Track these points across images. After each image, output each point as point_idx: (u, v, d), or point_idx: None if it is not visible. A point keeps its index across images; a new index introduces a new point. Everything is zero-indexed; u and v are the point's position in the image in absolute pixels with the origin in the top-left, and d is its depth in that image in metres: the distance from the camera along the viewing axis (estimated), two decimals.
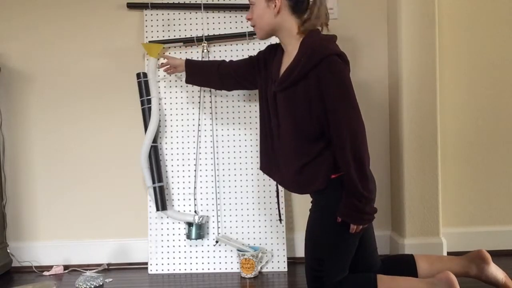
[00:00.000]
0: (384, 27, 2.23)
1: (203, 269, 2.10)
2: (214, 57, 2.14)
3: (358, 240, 1.54)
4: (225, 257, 2.11)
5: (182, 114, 2.15)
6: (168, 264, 2.11)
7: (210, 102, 2.15)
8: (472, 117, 2.24)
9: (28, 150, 2.23)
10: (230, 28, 2.15)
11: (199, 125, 2.15)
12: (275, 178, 1.70)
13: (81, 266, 2.18)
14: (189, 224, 2.06)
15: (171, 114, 2.16)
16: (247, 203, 2.11)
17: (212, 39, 2.13)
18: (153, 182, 2.06)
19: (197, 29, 2.16)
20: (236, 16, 2.15)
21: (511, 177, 2.25)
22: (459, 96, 2.24)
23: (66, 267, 2.19)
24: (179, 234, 2.12)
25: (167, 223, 2.13)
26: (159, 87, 2.15)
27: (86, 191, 2.23)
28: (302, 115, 1.52)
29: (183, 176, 2.14)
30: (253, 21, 1.63)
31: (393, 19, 2.13)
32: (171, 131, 2.15)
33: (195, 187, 2.13)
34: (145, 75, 2.11)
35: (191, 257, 2.12)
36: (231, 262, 2.10)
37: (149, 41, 2.15)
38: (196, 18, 2.16)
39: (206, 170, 2.13)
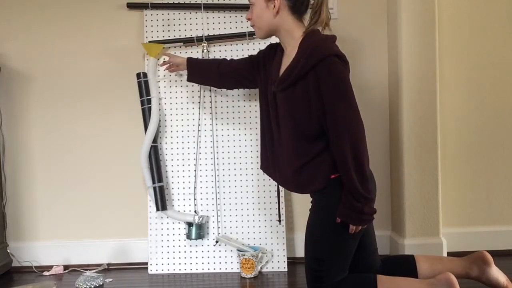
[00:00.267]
0: (384, 27, 2.23)
1: (203, 269, 2.10)
2: (214, 57, 2.14)
3: (358, 240, 1.54)
4: (225, 257, 2.11)
5: (182, 114, 2.15)
6: (168, 264, 2.11)
7: (210, 102, 2.15)
8: (472, 117, 2.24)
9: (28, 150, 2.23)
10: (230, 28, 2.15)
11: (199, 125, 2.15)
12: (275, 177, 1.70)
13: (81, 266, 2.18)
14: (189, 224, 2.06)
15: (171, 114, 2.16)
16: (247, 203, 2.11)
17: (212, 39, 2.13)
18: (153, 182, 2.06)
19: (197, 29, 2.16)
20: (236, 16, 2.15)
21: (511, 177, 2.25)
22: (459, 96, 2.24)
23: (66, 267, 2.19)
24: (179, 234, 2.12)
25: (167, 223, 2.13)
26: (159, 87, 2.15)
27: (86, 191, 2.23)
28: (302, 115, 1.52)
29: (183, 176, 2.14)
30: (253, 21, 1.63)
31: (393, 19, 2.13)
32: (171, 131, 2.15)
33: (195, 187, 2.13)
34: (145, 75, 2.11)
35: (191, 257, 2.12)
36: (231, 262, 2.10)
37: (149, 41, 2.15)
38: (196, 18, 2.16)
39: (206, 170, 2.13)
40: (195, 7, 2.14)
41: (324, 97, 1.47)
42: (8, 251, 2.19)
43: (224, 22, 2.15)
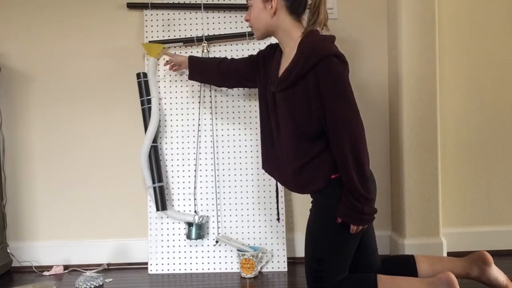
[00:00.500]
0: (384, 27, 2.23)
1: (203, 269, 2.10)
2: (214, 56, 2.14)
3: (358, 240, 1.54)
4: (225, 257, 2.11)
5: (182, 114, 2.15)
6: (168, 264, 2.11)
7: (210, 102, 2.15)
8: (472, 117, 2.24)
9: (28, 150, 2.23)
10: (230, 28, 2.15)
11: (199, 125, 2.15)
12: (276, 177, 1.71)
13: (81, 266, 2.18)
14: (189, 224, 2.06)
15: (171, 114, 2.16)
16: (247, 203, 2.11)
17: (212, 39, 2.13)
18: (153, 182, 2.06)
19: (197, 29, 2.16)
20: (236, 16, 2.15)
21: (511, 177, 2.25)
22: (459, 96, 2.24)
23: (66, 267, 2.19)
24: (179, 234, 2.12)
25: (167, 223, 2.13)
26: (159, 87, 2.15)
27: (86, 191, 2.23)
28: (301, 115, 1.52)
29: (183, 176, 2.14)
30: (251, 22, 1.64)
31: (393, 19, 2.13)
32: (171, 131, 2.15)
33: (195, 187, 2.13)
34: (145, 75, 2.11)
35: (191, 257, 2.12)
36: (231, 262, 2.10)
37: (149, 41, 2.15)
38: (196, 18, 2.16)
39: (206, 170, 2.13)
40: (195, 7, 2.14)
41: (323, 97, 1.47)
42: (8, 251, 2.19)
43: (224, 22, 2.15)
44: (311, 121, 1.51)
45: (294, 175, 1.56)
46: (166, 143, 2.15)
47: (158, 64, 2.16)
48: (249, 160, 2.12)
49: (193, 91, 2.15)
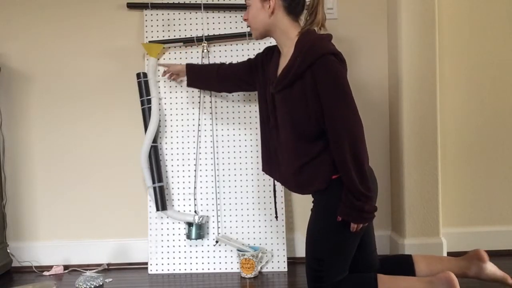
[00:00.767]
0: (384, 27, 2.23)
1: (203, 269, 2.10)
2: (214, 57, 2.14)
3: (358, 240, 1.54)
4: (225, 257, 2.11)
5: (182, 114, 2.15)
6: (168, 264, 2.11)
7: (210, 102, 2.15)
8: (472, 117, 2.24)
9: (28, 150, 2.23)
10: (230, 28, 2.15)
11: (199, 125, 2.15)
12: (276, 178, 1.71)
13: (81, 266, 2.18)
14: (189, 224, 2.06)
15: (171, 114, 2.16)
16: (247, 203, 2.11)
17: (212, 39, 2.13)
18: (153, 182, 2.06)
19: (197, 29, 2.16)
20: (236, 16, 2.15)
21: (511, 177, 2.25)
22: (459, 96, 2.24)
23: (66, 267, 2.19)
24: (179, 234, 2.12)
25: (167, 223, 2.13)
26: (159, 87, 2.15)
27: (86, 191, 2.23)
28: (300, 115, 1.52)
29: (183, 176, 2.14)
30: (249, 21, 1.64)
31: (393, 19, 2.13)
32: (171, 131, 2.15)
33: (195, 187, 2.13)
34: (145, 75, 2.11)
35: (191, 257, 2.11)
36: (231, 262, 2.10)
37: (149, 41, 2.15)
38: (196, 18, 2.16)
39: (206, 170, 2.13)
40: (195, 7, 2.14)
41: (321, 96, 1.47)
42: (8, 251, 2.19)
43: (224, 22, 2.15)
44: (310, 120, 1.51)
45: (294, 176, 1.56)
46: (166, 143, 2.15)
47: (158, 64, 2.16)
48: (249, 160, 2.12)
49: (193, 91, 2.15)
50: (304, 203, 2.20)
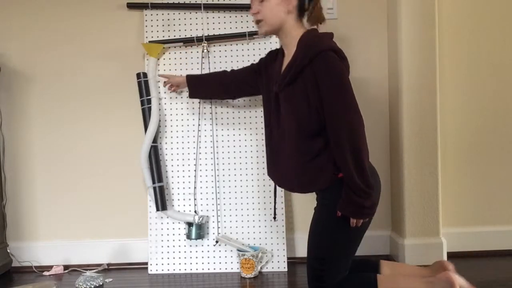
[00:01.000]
0: (384, 27, 2.23)
1: (203, 269, 2.10)
2: (214, 57, 2.14)
3: (360, 240, 1.54)
4: (225, 257, 2.10)
5: (182, 114, 2.15)
6: (168, 264, 2.11)
7: (210, 102, 2.15)
8: (472, 117, 2.24)
9: (28, 150, 2.23)
10: (230, 28, 2.15)
11: (199, 125, 2.15)
12: (280, 180, 1.69)
13: (81, 266, 2.18)
14: (189, 224, 2.06)
15: (171, 114, 2.16)
16: (247, 203, 2.11)
17: (212, 39, 2.13)
18: (153, 182, 2.06)
19: (197, 29, 2.16)
20: (236, 16, 2.15)
21: (511, 177, 2.25)
22: (459, 96, 2.24)
23: (66, 267, 2.19)
24: (179, 234, 2.12)
25: (167, 223, 2.13)
26: (159, 87, 2.15)
27: (86, 191, 2.23)
28: (303, 112, 1.52)
29: (183, 176, 2.14)
30: (262, 15, 1.59)
31: (393, 19, 2.13)
32: (171, 131, 2.15)
33: (195, 187, 2.13)
34: (145, 75, 2.11)
35: (191, 257, 2.11)
36: (231, 262, 2.10)
37: (149, 41, 2.15)
38: (196, 18, 2.16)
39: (206, 170, 2.13)
40: (195, 7, 2.14)
41: (321, 91, 1.47)
42: (8, 251, 2.19)
43: (224, 22, 2.15)
44: (311, 117, 1.50)
45: (297, 175, 1.56)
46: (166, 143, 2.15)
47: (158, 64, 2.16)
48: (249, 160, 2.12)
49: None
50: (304, 203, 2.20)
